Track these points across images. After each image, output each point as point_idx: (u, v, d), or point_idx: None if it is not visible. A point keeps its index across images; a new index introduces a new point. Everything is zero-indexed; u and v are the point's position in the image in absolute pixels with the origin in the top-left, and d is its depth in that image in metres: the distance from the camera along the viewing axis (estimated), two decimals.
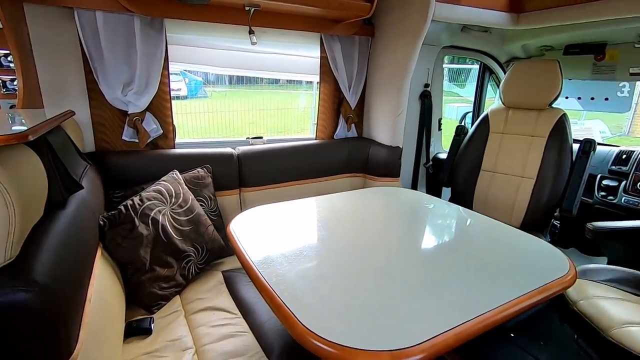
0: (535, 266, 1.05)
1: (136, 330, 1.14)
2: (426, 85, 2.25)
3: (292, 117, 6.89)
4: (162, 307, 1.28)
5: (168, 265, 1.32)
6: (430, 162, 2.36)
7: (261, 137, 2.05)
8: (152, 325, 1.17)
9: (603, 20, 1.67)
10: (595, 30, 1.88)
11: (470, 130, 2.10)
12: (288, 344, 1.08)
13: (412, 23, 1.79)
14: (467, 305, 0.84)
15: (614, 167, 2.03)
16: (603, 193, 2.03)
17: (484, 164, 2.03)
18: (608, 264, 1.50)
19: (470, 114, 2.78)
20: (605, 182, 2.04)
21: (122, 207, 1.24)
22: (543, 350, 1.64)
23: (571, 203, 1.72)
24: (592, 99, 2.19)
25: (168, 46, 1.59)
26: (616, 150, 2.07)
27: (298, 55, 2.18)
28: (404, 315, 0.82)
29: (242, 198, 1.81)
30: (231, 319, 1.23)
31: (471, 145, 2.06)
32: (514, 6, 1.94)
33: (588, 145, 1.74)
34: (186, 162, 1.63)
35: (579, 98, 2.24)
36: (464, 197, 2.07)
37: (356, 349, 0.71)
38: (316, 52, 2.01)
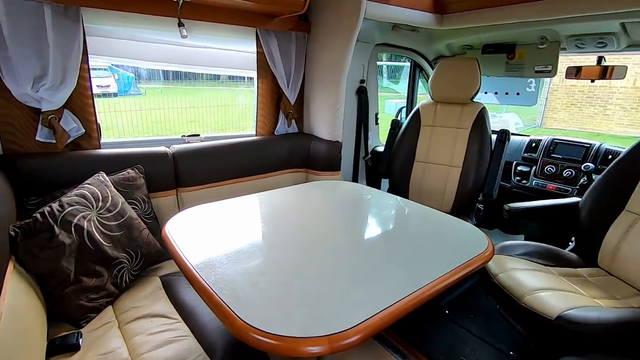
0: (460, 246, 1.15)
1: (61, 347, 1.05)
2: (362, 81, 2.33)
3: (234, 114, 6.71)
4: (91, 319, 1.19)
5: (97, 275, 1.22)
6: (369, 155, 2.46)
7: (198, 135, 1.98)
8: (80, 340, 1.08)
9: (511, 23, 1.87)
10: (506, 32, 2.10)
11: (404, 124, 2.22)
12: (231, 342, 1.07)
13: (346, 20, 1.84)
14: (399, 285, 0.90)
15: (526, 154, 2.29)
16: (518, 178, 2.28)
17: (417, 155, 2.17)
18: (525, 240, 1.70)
19: (405, 109, 2.94)
20: (519, 168, 2.29)
21: (37, 215, 1.12)
22: (473, 322, 1.81)
23: (491, 188, 1.91)
24: (507, 93, 2.44)
25: (87, 37, 1.46)
26: (527, 139, 2.34)
27: (234, 50, 2.13)
28: (341, 301, 0.85)
29: (180, 198, 1.73)
30: (171, 324, 1.18)
31: (405, 138, 2.18)
32: (438, 8, 2.09)
33: (504, 135, 1.94)
34: (114, 163, 1.52)
35: (496, 93, 2.48)
36: (400, 187, 2.19)
37: (295, 337, 0.73)
38: (252, 47, 1.98)
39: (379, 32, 2.23)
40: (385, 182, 2.41)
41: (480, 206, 2.01)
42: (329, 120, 2.08)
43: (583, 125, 9.29)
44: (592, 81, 1.97)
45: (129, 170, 1.52)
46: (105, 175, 1.40)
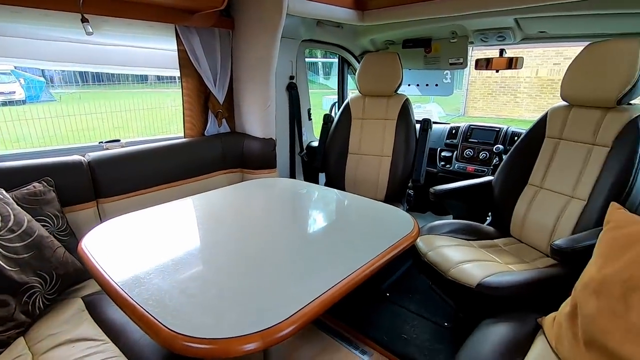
0: (389, 229, 1.21)
1: None
2: (291, 77, 2.34)
3: (164, 117, 6.32)
4: None
5: (1, 304, 1.08)
6: (305, 151, 2.48)
7: (118, 140, 1.83)
8: None
9: (424, 19, 2.01)
10: (422, 27, 2.24)
11: (336, 118, 2.28)
12: (166, 355, 1.01)
13: (269, 17, 1.83)
14: (332, 273, 0.92)
15: (448, 140, 2.48)
16: (443, 163, 2.46)
17: (350, 147, 2.24)
18: (454, 219, 1.84)
19: (337, 104, 3.01)
20: (443, 153, 2.48)
21: None
22: (411, 301, 1.92)
23: (419, 173, 2.04)
24: (427, 85, 2.62)
25: None
26: (448, 127, 2.53)
27: (153, 48, 2.01)
28: (275, 295, 0.85)
29: (102, 210, 1.59)
30: (97, 346, 1.08)
31: (337, 132, 2.24)
32: (358, 4, 2.16)
33: (426, 124, 2.08)
34: (15, 177, 1.35)
35: (417, 85, 2.65)
36: (337, 180, 2.24)
37: (226, 338, 0.71)
38: (173, 45, 1.88)
39: (304, 28, 2.26)
40: (322, 177, 2.45)
41: (411, 192, 2.14)
42: (260, 118, 2.06)
43: (499, 113, 10.33)
44: (497, 71, 2.19)
45: (35, 184, 1.36)
46: (4, 192, 1.24)
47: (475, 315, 1.23)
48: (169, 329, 0.72)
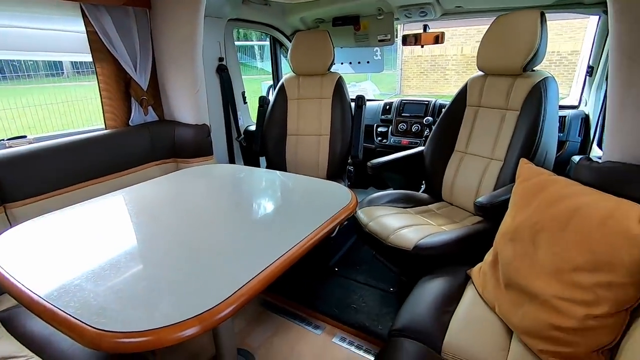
0: (328, 204, 1.23)
1: None
2: (220, 59, 2.23)
3: (86, 110, 5.69)
4: None
5: None
6: (242, 136, 2.41)
7: (24, 137, 1.62)
8: None
9: None
10: (349, 4, 2.25)
11: (271, 100, 2.23)
12: (101, 358, 0.95)
13: None
14: (271, 250, 0.92)
15: (383, 116, 2.56)
16: (380, 138, 2.55)
17: (289, 129, 2.22)
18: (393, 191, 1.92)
19: (273, 86, 2.95)
20: (379, 129, 2.56)
21: None
22: (358, 272, 2.00)
23: (357, 149, 2.09)
24: (359, 62, 2.67)
25: None
26: (382, 103, 2.61)
27: (58, 30, 1.78)
28: (213, 278, 0.83)
29: (11, 216, 1.41)
30: None
31: (274, 113, 2.20)
32: None
33: (360, 100, 2.12)
34: None
35: (350, 63, 2.69)
36: (277, 163, 2.22)
37: (161, 328, 0.68)
38: (81, 26, 1.69)
39: (229, 6, 2.15)
40: (263, 161, 2.41)
41: (351, 168, 2.19)
42: (190, 104, 1.95)
43: (431, 90, 10.91)
44: (422, 46, 2.29)
45: None
46: None
47: (415, 276, 1.31)
48: (94, 328, 0.66)
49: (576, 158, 1.47)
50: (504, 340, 0.98)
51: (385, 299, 1.78)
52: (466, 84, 1.77)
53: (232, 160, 2.42)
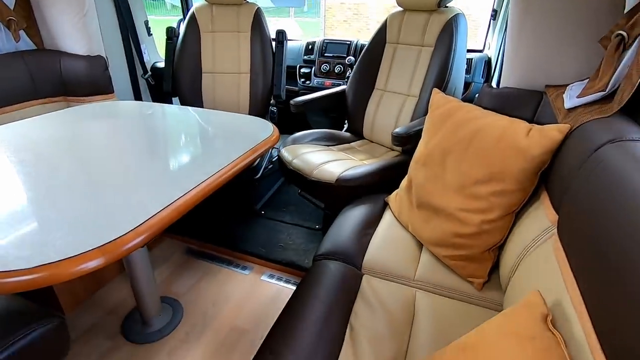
0: (248, 136, 1.17)
1: None
2: None
3: None
4: None
5: None
6: (149, 73, 2.14)
7: None
8: None
9: None
10: None
11: (181, 33, 1.99)
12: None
13: None
14: (186, 180, 0.85)
15: (305, 56, 2.47)
16: (303, 79, 2.47)
17: (204, 66, 2.02)
18: None
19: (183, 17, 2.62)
20: (302, 70, 2.47)
21: None
22: (286, 213, 2.01)
23: (279, 89, 2.01)
24: None
25: None
26: (305, 42, 2.51)
27: None
28: (117, 212, 0.74)
29: None
30: None
31: (185, 48, 1.97)
32: None
33: (280, 35, 2.00)
34: None
35: None
36: (193, 103, 2.04)
37: (58, 261, 0.59)
38: None
39: None
40: (176, 102, 2.19)
41: (274, 109, 2.12)
42: (77, 30, 1.63)
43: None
44: None
45: None
46: None
47: (339, 209, 1.35)
48: None
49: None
50: (415, 252, 1.09)
51: (312, 236, 1.84)
52: (386, 20, 1.77)
53: (138, 101, 2.15)
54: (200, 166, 0.95)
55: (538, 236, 0.79)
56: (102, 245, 0.62)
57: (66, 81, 1.67)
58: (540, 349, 0.51)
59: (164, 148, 1.13)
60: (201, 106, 2.05)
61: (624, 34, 0.80)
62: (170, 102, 2.22)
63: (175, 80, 2.00)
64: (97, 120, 1.32)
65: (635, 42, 0.77)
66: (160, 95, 2.20)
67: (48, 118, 1.28)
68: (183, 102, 2.06)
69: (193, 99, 2.03)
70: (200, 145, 1.11)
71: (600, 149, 0.65)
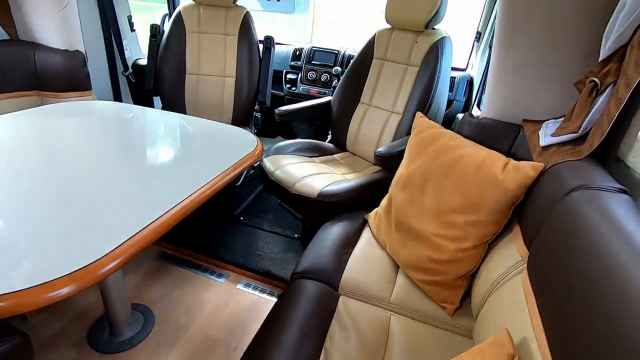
0: (232, 150, 1.16)
1: None
2: None
3: None
4: None
5: None
6: (131, 70, 2.07)
7: None
8: None
9: None
10: None
11: (166, 31, 1.93)
12: None
13: None
14: (164, 199, 0.83)
15: (292, 62, 2.46)
16: (289, 85, 2.46)
17: (188, 66, 1.98)
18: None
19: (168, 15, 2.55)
20: (289, 76, 2.46)
21: None
22: (264, 221, 2.00)
23: (264, 95, 1.99)
24: (269, 0, 2.46)
25: None
26: (292, 48, 2.50)
27: None
28: (91, 232, 0.72)
29: None
30: None
31: (170, 47, 1.93)
32: None
33: (268, 41, 1.99)
34: None
35: None
36: (175, 103, 1.99)
37: (23, 290, 0.57)
38: None
39: None
40: (157, 101, 2.13)
41: (258, 114, 2.10)
42: (56, 22, 1.56)
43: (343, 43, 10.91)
44: None
45: None
46: None
47: (319, 222, 1.36)
48: None
49: (460, 115, 1.65)
50: (391, 274, 1.11)
51: (290, 245, 1.84)
52: (374, 35, 1.79)
53: (117, 99, 2.08)
54: (182, 182, 0.93)
55: (509, 269, 0.82)
56: (73, 272, 0.60)
57: (41, 75, 1.59)
58: None
59: (142, 160, 1.10)
60: (183, 107, 2.00)
61: (597, 80, 0.84)
62: (151, 101, 2.16)
63: (158, 79, 1.95)
64: (73, 121, 1.27)
65: (607, 90, 0.82)
66: (141, 93, 2.14)
67: (14, 117, 1.21)
68: (164, 102, 2.00)
69: (175, 99, 1.98)
70: (181, 158, 1.09)
71: (569, 194, 0.69)
